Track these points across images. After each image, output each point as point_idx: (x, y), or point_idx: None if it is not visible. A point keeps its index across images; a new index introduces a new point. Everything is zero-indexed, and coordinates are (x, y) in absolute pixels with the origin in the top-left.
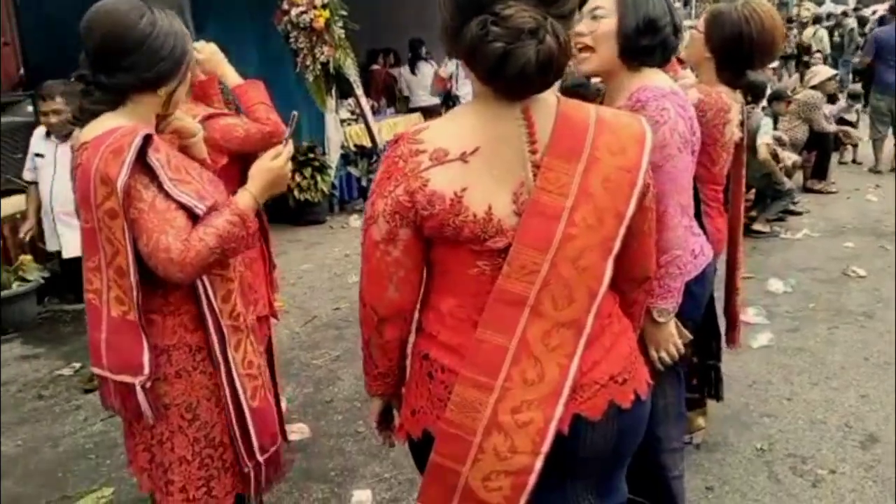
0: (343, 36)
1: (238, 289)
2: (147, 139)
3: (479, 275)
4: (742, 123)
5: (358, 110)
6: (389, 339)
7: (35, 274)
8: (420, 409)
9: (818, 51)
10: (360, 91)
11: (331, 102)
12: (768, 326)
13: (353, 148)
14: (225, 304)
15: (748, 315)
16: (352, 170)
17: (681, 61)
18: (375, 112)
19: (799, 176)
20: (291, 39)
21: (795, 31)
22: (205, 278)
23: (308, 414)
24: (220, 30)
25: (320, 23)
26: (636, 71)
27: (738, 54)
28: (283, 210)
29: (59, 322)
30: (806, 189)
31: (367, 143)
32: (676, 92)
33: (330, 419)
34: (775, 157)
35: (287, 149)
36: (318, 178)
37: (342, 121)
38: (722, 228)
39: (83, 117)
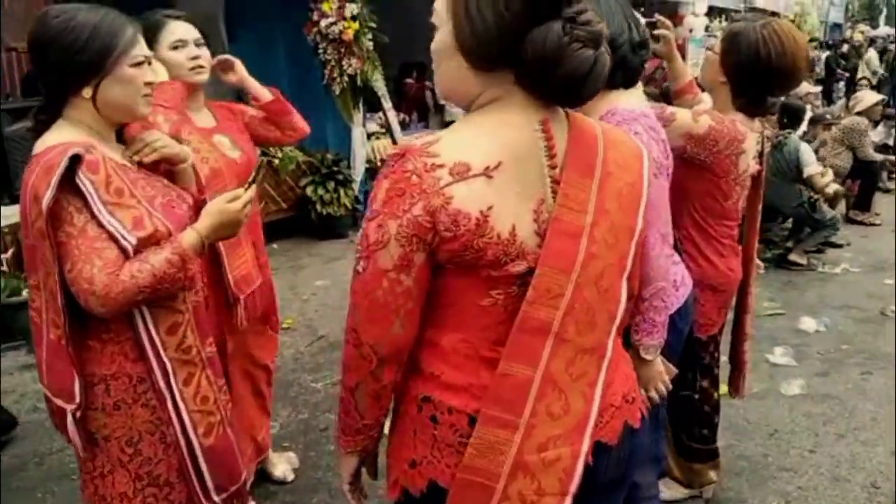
0: (372, 48)
1: (191, 321)
2: (75, 158)
3: (491, 306)
4: (761, 154)
5: (386, 124)
6: (387, 384)
7: None
8: (423, 459)
9: (863, 77)
10: (388, 105)
11: (358, 116)
12: (796, 369)
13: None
14: (170, 337)
15: (775, 355)
16: None
17: (699, 85)
18: (406, 126)
19: (841, 205)
20: (321, 51)
21: (846, 53)
22: (143, 308)
23: (300, 442)
24: (252, 39)
25: (349, 35)
26: (604, 92)
27: (755, 79)
28: (306, 223)
29: None
30: (848, 220)
31: None
32: (647, 114)
33: (321, 449)
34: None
35: (248, 194)
36: (342, 191)
37: (370, 134)
38: (735, 268)
39: (36, 129)
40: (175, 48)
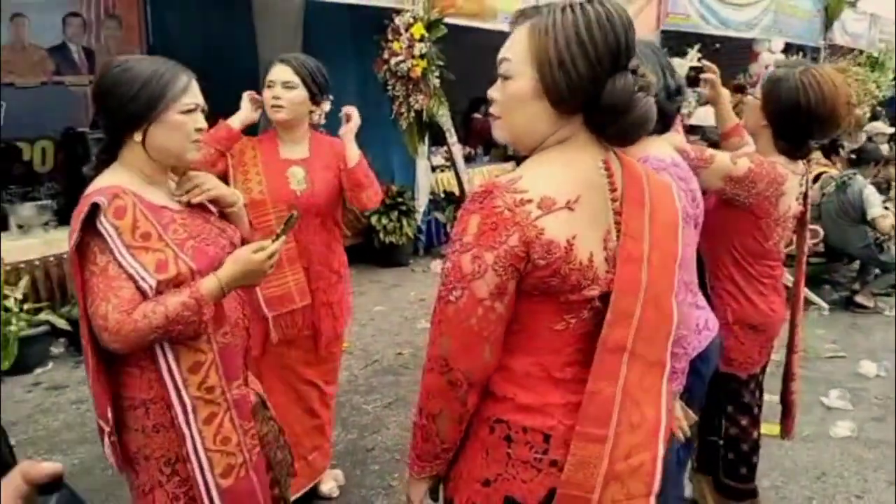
0: (438, 85)
1: (216, 361)
2: (95, 206)
3: (564, 330)
4: (805, 196)
5: (450, 158)
6: (471, 408)
7: None
8: (497, 477)
9: None
10: (452, 139)
11: (422, 149)
12: (850, 413)
13: (442, 194)
14: (192, 375)
15: (830, 398)
16: (438, 215)
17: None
18: (471, 159)
19: None
20: (389, 87)
21: None
22: (165, 345)
23: (347, 461)
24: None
25: (417, 72)
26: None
27: (795, 124)
28: (368, 251)
29: None
30: None
31: (457, 190)
32: (678, 163)
33: (367, 468)
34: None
35: (274, 245)
36: (404, 221)
37: (435, 167)
38: (777, 308)
39: (95, 169)
40: (267, 87)
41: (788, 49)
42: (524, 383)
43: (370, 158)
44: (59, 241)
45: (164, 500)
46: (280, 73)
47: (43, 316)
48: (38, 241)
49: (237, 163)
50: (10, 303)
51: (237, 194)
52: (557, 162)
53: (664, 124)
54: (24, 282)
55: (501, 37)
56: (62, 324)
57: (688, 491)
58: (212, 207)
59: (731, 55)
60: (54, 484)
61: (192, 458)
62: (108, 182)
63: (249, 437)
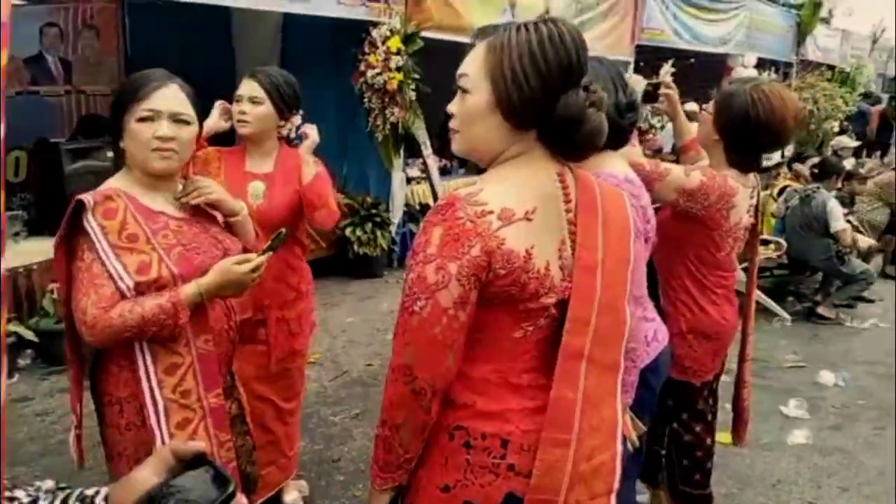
0: (414, 98)
1: (194, 366)
2: (80, 205)
3: (522, 337)
4: (756, 208)
5: (425, 170)
6: (433, 415)
7: None
8: (455, 483)
9: None
10: (427, 151)
11: (398, 162)
12: (807, 422)
13: (417, 206)
14: (168, 377)
15: (788, 407)
16: (413, 227)
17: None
18: (447, 172)
19: (879, 260)
20: (366, 99)
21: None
22: (144, 345)
23: (312, 471)
24: (303, 87)
25: (393, 85)
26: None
27: (745, 137)
28: (342, 262)
29: None
30: (884, 275)
31: (432, 202)
32: (630, 180)
33: (332, 479)
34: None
35: (259, 259)
36: (378, 233)
37: (410, 179)
38: (730, 318)
39: (113, 173)
40: (236, 101)
41: (762, 64)
42: (483, 390)
43: (346, 169)
44: (30, 252)
45: None
46: (247, 88)
47: (11, 327)
48: (9, 252)
49: (200, 171)
50: None
51: (241, 204)
52: (515, 175)
53: (618, 139)
54: None
55: None
56: (30, 335)
57: (643, 498)
58: (218, 217)
59: (706, 70)
60: (200, 460)
61: None
62: (108, 185)
63: (225, 450)
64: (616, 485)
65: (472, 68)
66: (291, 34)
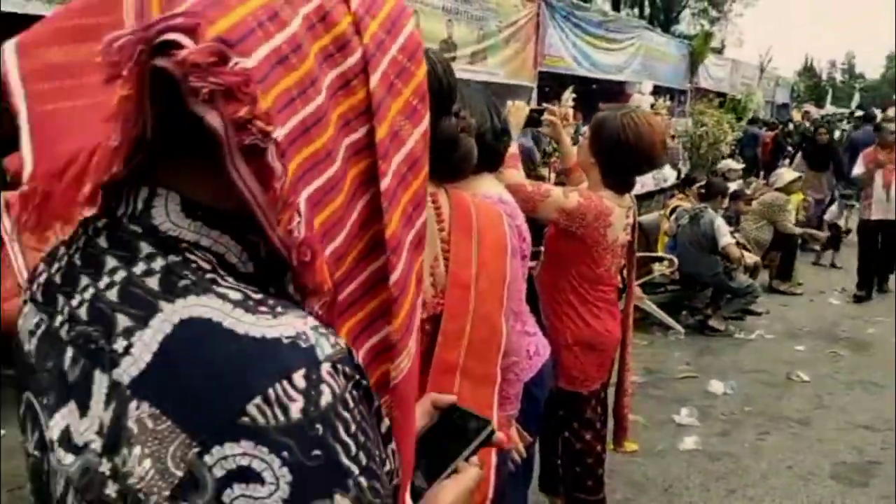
0: None
1: None
2: None
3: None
4: (632, 227)
5: None
6: None
7: None
8: None
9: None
10: None
11: None
12: (697, 429)
13: None
14: None
15: (680, 415)
16: None
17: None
18: None
19: (766, 275)
20: None
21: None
22: None
23: None
24: None
25: None
26: (467, 178)
27: (618, 160)
28: None
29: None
30: (771, 289)
31: None
32: (505, 200)
33: None
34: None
35: None
36: None
37: None
38: (612, 329)
39: None
40: None
41: (657, 91)
42: None
43: None
44: None
45: None
46: None
47: None
48: None
49: None
50: None
51: None
52: None
53: (493, 162)
54: None
55: None
56: None
57: None
58: None
59: (606, 96)
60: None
61: None
62: None
63: None
64: (490, 493)
65: None
66: None
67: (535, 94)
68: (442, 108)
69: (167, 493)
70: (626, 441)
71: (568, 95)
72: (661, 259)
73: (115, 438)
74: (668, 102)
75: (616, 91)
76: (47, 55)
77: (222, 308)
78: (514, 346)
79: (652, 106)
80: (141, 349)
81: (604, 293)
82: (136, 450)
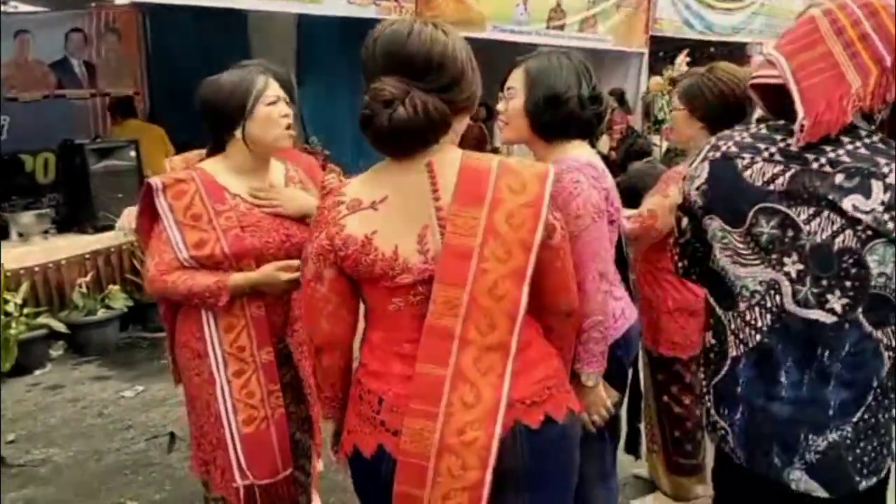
0: None
1: (248, 327)
2: (148, 186)
3: (397, 311)
4: None
5: None
6: (327, 367)
7: (120, 303)
8: (352, 427)
9: None
10: None
11: None
12: None
13: None
14: (226, 334)
15: None
16: None
17: None
18: None
19: None
20: None
21: None
22: None
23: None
24: (318, 85)
25: None
26: (557, 143)
27: (728, 114)
28: None
29: (137, 348)
30: None
31: None
32: (593, 164)
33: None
34: None
35: (298, 274)
36: None
37: None
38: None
39: (207, 156)
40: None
41: None
42: (376, 353)
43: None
44: (58, 249)
45: (191, 423)
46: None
47: (42, 320)
48: (38, 249)
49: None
50: (10, 307)
51: (311, 204)
52: (382, 168)
53: (582, 130)
54: (24, 287)
55: (491, 44)
56: (60, 327)
57: (642, 471)
58: None
59: (726, 59)
60: None
61: (220, 400)
62: (204, 166)
63: (274, 398)
64: (492, 461)
65: None
66: (306, 34)
67: (645, 61)
68: (368, 78)
69: None
70: None
71: (682, 60)
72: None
73: None
74: None
75: (737, 54)
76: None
77: None
78: (599, 307)
79: None
80: None
81: None
82: None
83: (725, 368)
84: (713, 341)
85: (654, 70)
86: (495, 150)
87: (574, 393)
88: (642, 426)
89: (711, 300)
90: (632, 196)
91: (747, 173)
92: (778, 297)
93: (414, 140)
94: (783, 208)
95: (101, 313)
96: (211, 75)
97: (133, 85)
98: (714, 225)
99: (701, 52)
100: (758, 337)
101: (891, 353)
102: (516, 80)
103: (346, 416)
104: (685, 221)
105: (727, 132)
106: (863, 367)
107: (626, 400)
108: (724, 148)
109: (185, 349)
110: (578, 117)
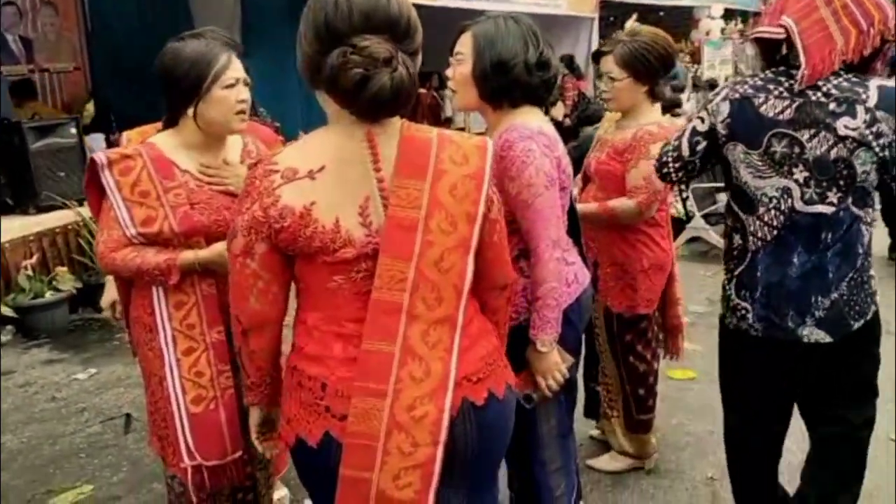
0: None
1: (199, 305)
2: (93, 162)
3: (337, 289)
4: None
5: None
6: (254, 349)
7: (69, 284)
8: (293, 417)
9: None
10: None
11: None
12: None
13: None
14: (176, 311)
15: None
16: None
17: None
18: None
19: None
20: None
21: None
22: None
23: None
24: (266, 59)
25: None
26: (507, 110)
27: (667, 72)
28: None
29: (88, 330)
30: None
31: None
32: (544, 132)
33: None
34: None
35: None
36: None
37: None
38: (669, 248)
39: (163, 129)
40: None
41: (728, 14)
42: (313, 335)
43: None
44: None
45: (147, 395)
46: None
47: None
48: None
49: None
50: None
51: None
52: (318, 136)
53: (529, 96)
54: None
55: (445, 11)
56: (8, 312)
57: (594, 432)
58: None
59: (674, 22)
60: None
61: (168, 378)
62: (155, 140)
63: (224, 378)
64: (443, 436)
65: None
66: (251, 4)
67: (596, 26)
68: (332, 41)
69: None
70: (683, 368)
71: (631, 24)
72: (724, 189)
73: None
74: (741, 26)
75: (684, 17)
76: None
77: None
78: (552, 274)
79: (722, 31)
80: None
81: (663, 214)
82: None
83: (747, 260)
84: (739, 241)
85: (604, 34)
86: (448, 119)
87: (528, 360)
88: (600, 388)
89: (735, 207)
90: (583, 162)
91: (763, 108)
92: (790, 200)
93: (406, 102)
94: (791, 132)
95: (49, 296)
96: (153, 48)
97: (73, 59)
98: (737, 150)
99: (649, 15)
100: (774, 233)
101: (868, 227)
102: (464, 45)
103: (282, 406)
104: (703, 144)
105: (739, 79)
106: (851, 240)
107: (581, 363)
108: (741, 90)
109: (137, 324)
110: (526, 83)
